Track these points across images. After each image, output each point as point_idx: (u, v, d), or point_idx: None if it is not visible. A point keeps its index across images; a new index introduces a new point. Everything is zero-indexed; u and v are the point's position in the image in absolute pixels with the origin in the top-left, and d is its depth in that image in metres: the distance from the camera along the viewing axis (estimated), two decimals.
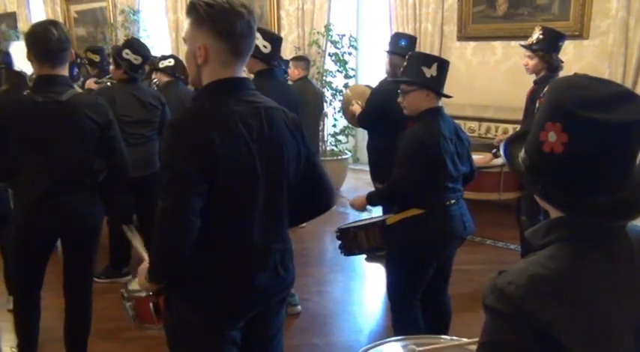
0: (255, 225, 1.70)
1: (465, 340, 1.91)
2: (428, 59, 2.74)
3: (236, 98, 1.67)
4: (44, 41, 2.50)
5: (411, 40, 4.26)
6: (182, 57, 5.79)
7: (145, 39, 8.05)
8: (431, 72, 2.64)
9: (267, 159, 1.69)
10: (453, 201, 2.69)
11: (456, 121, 2.91)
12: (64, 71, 2.63)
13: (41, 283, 2.79)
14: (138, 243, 2.30)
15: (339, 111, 6.80)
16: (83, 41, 9.59)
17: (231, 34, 1.62)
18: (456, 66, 5.88)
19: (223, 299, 1.71)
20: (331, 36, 6.77)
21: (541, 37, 3.68)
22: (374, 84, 4.53)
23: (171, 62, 4.75)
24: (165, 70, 4.61)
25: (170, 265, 1.66)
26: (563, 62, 3.76)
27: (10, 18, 11.08)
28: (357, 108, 4.42)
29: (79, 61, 6.15)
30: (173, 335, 1.80)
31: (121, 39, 8.04)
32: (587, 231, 0.99)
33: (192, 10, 1.64)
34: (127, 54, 3.89)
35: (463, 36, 6.02)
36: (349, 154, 6.90)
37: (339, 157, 6.68)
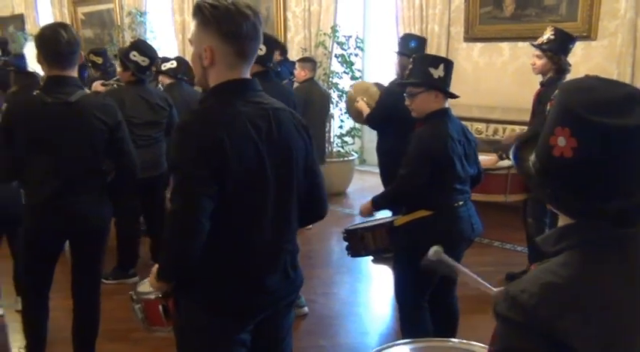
0: (265, 226, 1.70)
1: (475, 344, 1.90)
2: (434, 60, 2.73)
3: (243, 99, 1.67)
4: (54, 43, 2.51)
5: (421, 41, 4.25)
6: (189, 58, 5.84)
7: (151, 41, 8.08)
8: (438, 73, 2.64)
9: (276, 160, 1.69)
10: (461, 203, 2.68)
11: (463, 122, 2.90)
12: (74, 73, 2.64)
13: (49, 284, 2.80)
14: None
15: (345, 113, 6.80)
16: (90, 43, 9.63)
17: (237, 36, 1.62)
18: (463, 67, 5.87)
19: (233, 301, 1.71)
20: (337, 37, 6.77)
21: (552, 37, 3.66)
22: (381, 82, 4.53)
23: (173, 64, 4.76)
24: (168, 73, 4.62)
25: (179, 266, 1.67)
26: (571, 65, 3.74)
27: (18, 20, 11.16)
28: (362, 105, 4.40)
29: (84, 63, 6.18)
30: (182, 337, 1.80)
31: (128, 41, 8.06)
32: (598, 237, 0.98)
33: (198, 12, 1.64)
34: (134, 56, 3.91)
35: (470, 37, 6.01)
36: (355, 156, 6.89)
37: (346, 159, 6.67)
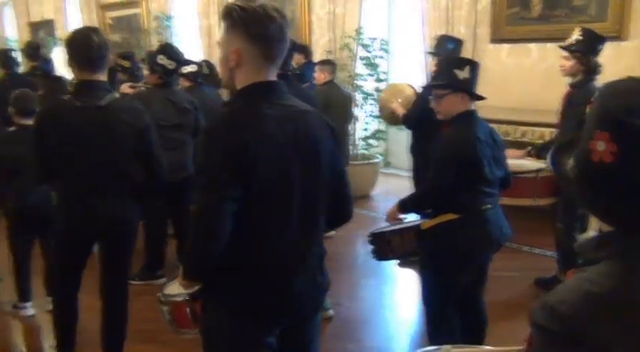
0: (290, 229, 1.69)
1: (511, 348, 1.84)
2: (460, 62, 2.70)
3: (270, 102, 1.67)
4: (85, 48, 2.55)
5: (458, 42, 4.23)
6: (214, 62, 5.88)
7: (177, 44, 8.17)
8: (464, 74, 2.61)
9: (303, 162, 1.69)
10: (489, 206, 2.64)
11: (490, 125, 2.86)
12: (103, 76, 2.68)
13: (78, 285, 2.84)
14: None
15: (370, 115, 6.79)
16: (117, 47, 9.78)
17: (264, 38, 1.63)
18: (490, 68, 5.79)
19: (257, 304, 1.70)
20: (362, 39, 6.75)
21: (580, 38, 3.59)
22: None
23: (194, 68, 4.79)
24: (187, 76, 4.66)
25: (202, 267, 1.68)
26: (601, 66, 3.66)
27: (48, 25, 11.41)
28: (397, 106, 4.38)
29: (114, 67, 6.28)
30: (208, 339, 1.80)
31: (155, 44, 8.17)
32: (638, 246, 0.95)
33: (227, 15, 1.66)
34: (161, 59, 3.96)
35: (497, 38, 5.93)
36: (380, 158, 6.86)
37: (370, 161, 6.65)
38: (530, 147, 4.17)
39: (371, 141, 6.80)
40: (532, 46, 5.72)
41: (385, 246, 2.86)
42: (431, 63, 4.09)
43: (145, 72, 4.45)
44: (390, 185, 6.67)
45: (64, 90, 5.24)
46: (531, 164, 4.24)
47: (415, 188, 4.02)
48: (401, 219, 2.87)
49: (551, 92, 5.15)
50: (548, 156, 3.39)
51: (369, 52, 6.66)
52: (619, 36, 5.11)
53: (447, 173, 2.58)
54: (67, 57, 2.63)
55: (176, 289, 1.84)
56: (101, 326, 2.89)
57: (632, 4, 5.07)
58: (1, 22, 12.93)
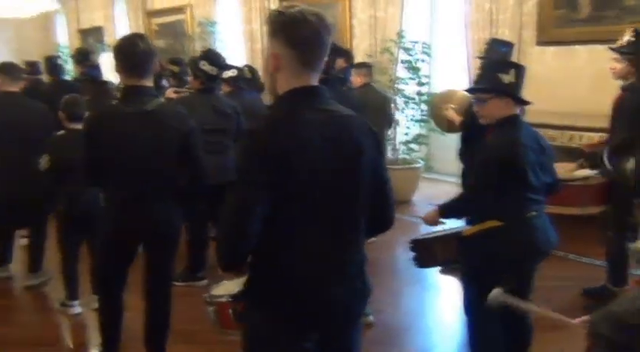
0: (327, 235, 1.68)
1: None
2: (504, 65, 2.65)
3: (311, 107, 1.67)
4: (132, 54, 2.62)
5: (510, 46, 4.16)
6: (256, 67, 5.93)
7: (220, 50, 8.30)
8: (509, 78, 2.56)
9: (342, 168, 1.68)
10: (534, 213, 2.57)
11: (536, 129, 2.79)
12: (150, 82, 2.75)
13: (123, 284, 2.91)
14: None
15: (411, 119, 6.72)
16: (163, 53, 9.98)
17: (301, 43, 1.63)
18: (536, 71, 5.64)
19: (298, 310, 1.70)
20: (404, 43, 6.70)
21: (632, 39, 3.47)
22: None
23: (234, 72, 4.85)
24: (227, 81, 4.71)
25: (231, 264, 1.69)
26: None
27: (98, 32, 11.77)
28: (452, 113, 4.33)
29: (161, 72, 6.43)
30: (247, 342, 1.81)
31: (198, 50, 8.33)
32: None
33: (268, 20, 1.69)
34: (203, 65, 4.03)
35: (543, 40, 5.78)
36: (421, 163, 6.78)
37: (411, 166, 6.58)
38: (582, 160, 4.03)
39: (412, 145, 6.73)
40: (580, 48, 5.54)
41: (426, 254, 2.82)
42: (476, 67, 4.02)
43: (189, 77, 4.54)
44: (431, 190, 6.58)
45: (110, 94, 5.40)
46: (580, 172, 4.10)
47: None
48: (441, 223, 2.82)
49: (600, 96, 4.97)
50: (605, 159, 3.27)
51: (411, 55, 6.61)
52: None
53: (490, 178, 2.53)
54: (114, 63, 2.70)
55: (222, 290, 1.87)
56: (144, 326, 2.95)
57: None
58: (53, 29, 13.41)
